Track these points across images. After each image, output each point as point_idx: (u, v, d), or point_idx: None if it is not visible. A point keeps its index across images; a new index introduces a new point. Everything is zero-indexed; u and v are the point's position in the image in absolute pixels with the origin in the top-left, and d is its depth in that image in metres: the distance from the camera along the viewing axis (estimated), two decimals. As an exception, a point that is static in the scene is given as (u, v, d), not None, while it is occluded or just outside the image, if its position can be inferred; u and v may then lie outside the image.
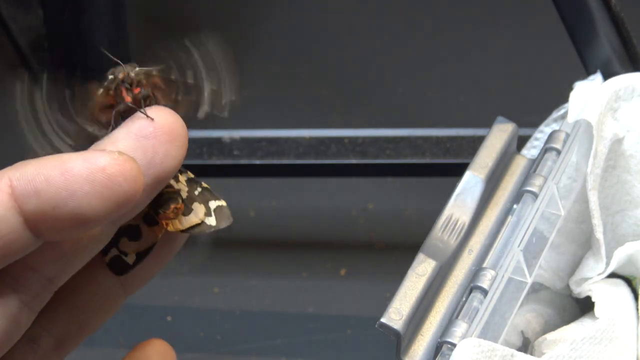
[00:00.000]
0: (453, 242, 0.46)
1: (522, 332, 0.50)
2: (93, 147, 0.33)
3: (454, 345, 0.42)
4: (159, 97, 0.35)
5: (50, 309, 0.34)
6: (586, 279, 0.50)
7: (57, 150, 0.35)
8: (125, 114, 0.34)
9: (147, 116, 0.33)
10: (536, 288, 0.52)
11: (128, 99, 0.34)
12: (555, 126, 0.54)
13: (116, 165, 0.31)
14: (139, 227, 0.35)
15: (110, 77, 0.34)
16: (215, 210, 0.36)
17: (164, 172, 0.33)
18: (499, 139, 0.50)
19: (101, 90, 0.34)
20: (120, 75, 0.34)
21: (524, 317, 0.50)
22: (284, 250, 0.93)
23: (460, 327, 0.43)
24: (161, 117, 0.33)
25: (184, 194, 0.35)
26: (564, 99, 0.54)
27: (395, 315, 0.43)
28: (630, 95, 0.52)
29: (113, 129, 0.34)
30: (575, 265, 0.52)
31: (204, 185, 0.36)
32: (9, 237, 0.31)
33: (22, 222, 0.31)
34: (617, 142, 0.51)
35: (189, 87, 0.35)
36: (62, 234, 0.31)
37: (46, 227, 0.31)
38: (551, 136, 0.50)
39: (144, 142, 0.33)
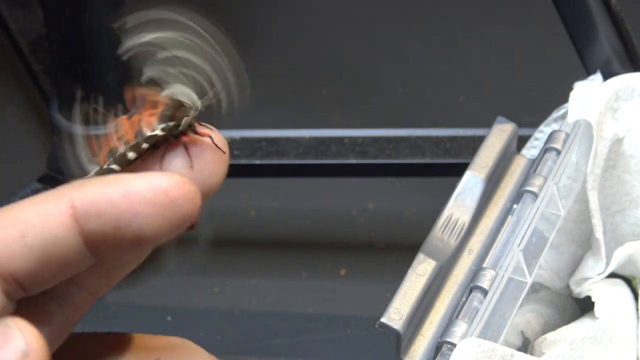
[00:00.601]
0: (453, 242, 0.46)
1: (522, 332, 0.50)
2: (146, 165, 0.34)
3: (454, 345, 0.42)
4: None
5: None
6: (586, 279, 0.50)
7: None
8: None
9: (197, 134, 0.34)
10: (536, 288, 0.52)
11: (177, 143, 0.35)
12: (555, 126, 0.54)
13: (177, 187, 0.32)
14: None
15: (168, 124, 0.35)
16: None
17: (208, 190, 0.34)
18: (499, 139, 0.50)
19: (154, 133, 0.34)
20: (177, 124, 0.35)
21: (524, 317, 0.50)
22: (284, 250, 0.93)
23: (460, 327, 0.43)
24: (208, 138, 0.34)
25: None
26: (564, 99, 0.54)
27: (395, 315, 0.43)
28: (630, 95, 0.52)
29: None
30: (575, 265, 0.52)
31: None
32: (67, 256, 0.32)
33: (82, 242, 0.32)
34: (617, 142, 0.51)
35: (207, 102, 0.36)
36: (119, 253, 0.32)
37: (105, 247, 0.32)
38: (551, 136, 0.50)
39: (193, 162, 0.34)
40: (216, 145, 0.34)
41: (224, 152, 0.34)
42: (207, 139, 0.34)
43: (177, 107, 0.35)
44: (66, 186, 0.33)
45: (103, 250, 0.32)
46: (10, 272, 0.32)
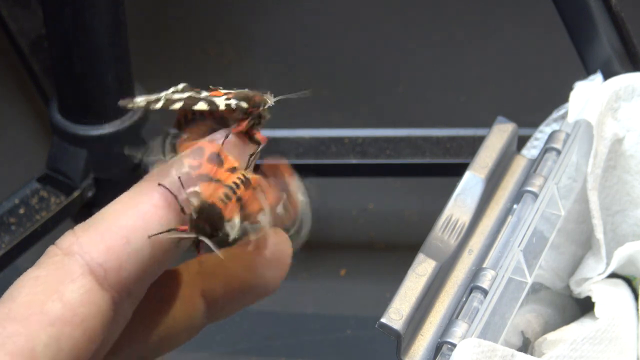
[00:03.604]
0: (453, 242, 0.46)
1: (522, 332, 0.50)
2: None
3: (454, 345, 0.42)
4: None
5: (137, 330, 0.35)
6: (586, 279, 0.50)
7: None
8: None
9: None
10: (536, 288, 0.52)
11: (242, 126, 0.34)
12: (555, 126, 0.54)
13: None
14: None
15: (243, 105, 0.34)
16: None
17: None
18: (499, 139, 0.50)
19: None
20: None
21: (524, 317, 0.50)
22: (284, 250, 0.93)
23: (460, 327, 0.43)
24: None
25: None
26: (564, 99, 0.54)
27: (395, 315, 0.43)
28: (630, 95, 0.52)
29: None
30: (575, 265, 0.52)
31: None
32: (167, 252, 0.33)
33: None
34: (617, 142, 0.51)
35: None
36: None
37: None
38: (551, 136, 0.50)
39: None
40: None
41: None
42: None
43: (251, 96, 0.34)
44: (148, 179, 0.33)
45: None
46: (120, 282, 0.32)
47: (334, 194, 0.96)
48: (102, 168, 0.80)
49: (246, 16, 1.10)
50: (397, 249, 0.92)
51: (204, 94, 0.35)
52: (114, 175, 0.81)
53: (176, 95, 0.34)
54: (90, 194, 0.80)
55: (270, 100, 0.35)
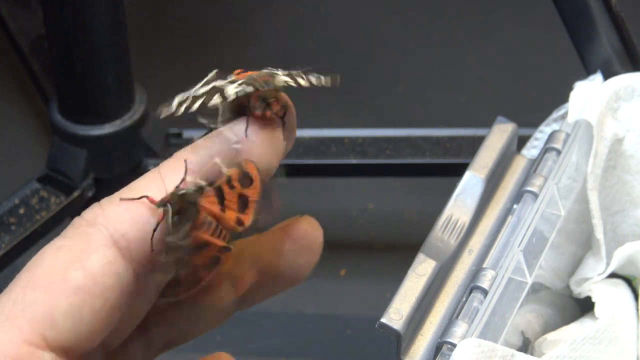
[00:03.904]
0: (453, 242, 0.46)
1: (522, 332, 0.50)
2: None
3: (454, 345, 0.42)
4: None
5: (165, 313, 0.35)
6: (586, 279, 0.50)
7: None
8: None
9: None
10: (536, 288, 0.52)
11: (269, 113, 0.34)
12: (555, 126, 0.54)
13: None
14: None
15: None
16: None
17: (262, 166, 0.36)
18: (499, 139, 0.50)
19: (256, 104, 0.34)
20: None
21: (524, 317, 0.50)
22: (284, 250, 0.93)
23: (460, 327, 0.43)
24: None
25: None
26: (564, 99, 0.54)
27: (395, 315, 0.43)
28: (630, 95, 0.52)
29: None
30: (575, 265, 0.52)
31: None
32: None
33: None
34: (617, 142, 0.51)
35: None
36: None
37: None
38: (551, 136, 0.50)
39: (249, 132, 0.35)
40: (279, 122, 0.33)
41: (282, 133, 0.34)
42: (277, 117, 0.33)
43: (255, 77, 0.34)
44: (176, 156, 0.33)
45: None
46: (144, 254, 0.32)
47: (334, 194, 0.96)
48: (102, 168, 0.80)
49: (246, 16, 1.10)
50: (397, 249, 0.92)
51: (229, 78, 0.34)
52: (114, 175, 0.81)
53: (201, 90, 0.34)
54: (90, 194, 0.80)
55: (279, 80, 0.34)
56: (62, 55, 0.77)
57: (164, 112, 0.34)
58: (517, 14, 1.10)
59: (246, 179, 0.34)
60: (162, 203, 0.32)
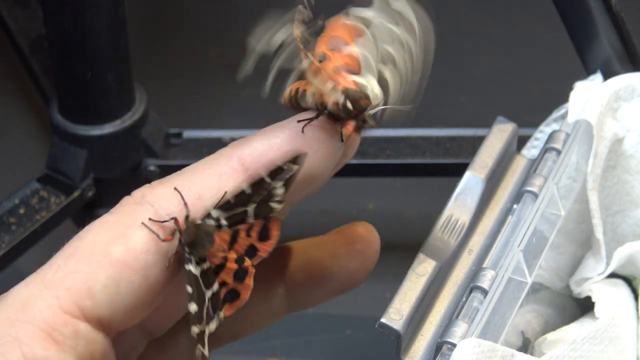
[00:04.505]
0: (453, 242, 0.46)
1: (522, 332, 0.50)
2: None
3: (454, 345, 0.42)
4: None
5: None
6: (586, 279, 0.50)
7: None
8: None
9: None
10: (536, 288, 0.52)
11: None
12: (555, 126, 0.54)
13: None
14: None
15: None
16: None
17: (310, 173, 0.37)
18: (499, 139, 0.50)
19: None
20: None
21: (524, 317, 0.50)
22: (284, 250, 0.93)
23: (460, 327, 0.43)
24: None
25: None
26: (564, 99, 0.54)
27: (395, 315, 0.43)
28: (630, 95, 0.52)
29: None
30: (575, 265, 0.52)
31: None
32: None
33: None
34: (617, 142, 0.51)
35: None
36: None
37: None
38: (551, 136, 0.50)
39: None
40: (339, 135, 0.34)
41: (341, 142, 0.35)
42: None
43: (357, 98, 0.34)
44: (232, 145, 0.34)
45: None
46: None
47: (334, 194, 0.96)
48: (102, 168, 0.80)
49: (246, 16, 1.10)
50: (397, 249, 0.91)
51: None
52: (114, 175, 0.81)
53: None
54: (90, 194, 0.80)
55: (374, 107, 0.34)
56: (62, 55, 0.77)
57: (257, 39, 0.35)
58: (517, 14, 1.10)
59: (265, 232, 0.34)
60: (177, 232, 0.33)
